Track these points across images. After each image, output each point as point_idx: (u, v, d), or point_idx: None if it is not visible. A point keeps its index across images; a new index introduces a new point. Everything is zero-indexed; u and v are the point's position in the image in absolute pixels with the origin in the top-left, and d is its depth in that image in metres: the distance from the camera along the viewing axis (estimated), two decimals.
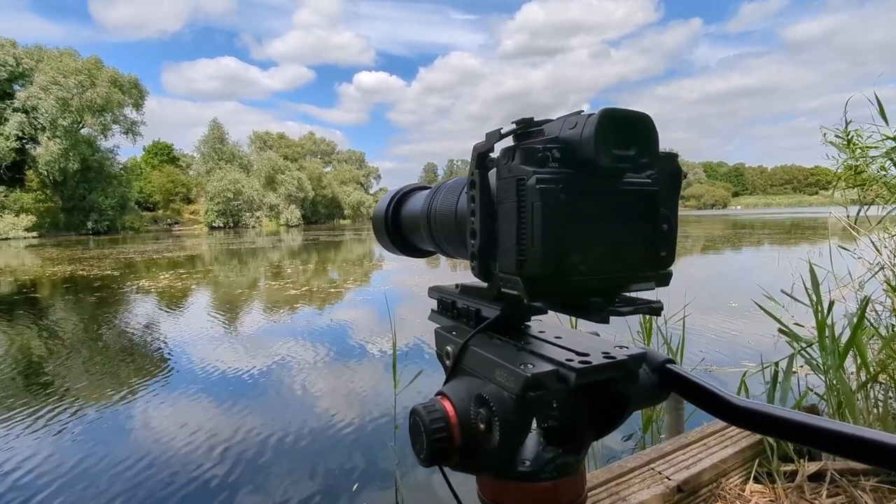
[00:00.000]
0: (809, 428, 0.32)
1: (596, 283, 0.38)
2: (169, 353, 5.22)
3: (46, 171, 36.04)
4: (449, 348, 0.50)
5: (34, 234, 34.09)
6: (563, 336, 0.50)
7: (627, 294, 0.42)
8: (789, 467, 1.81)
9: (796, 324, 2.63)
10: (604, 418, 0.45)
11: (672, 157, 0.42)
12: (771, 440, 1.84)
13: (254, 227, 49.12)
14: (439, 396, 0.43)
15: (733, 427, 2.16)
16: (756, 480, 1.78)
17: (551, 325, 0.53)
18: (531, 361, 0.41)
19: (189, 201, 56.96)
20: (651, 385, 0.44)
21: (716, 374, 3.97)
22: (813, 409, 1.96)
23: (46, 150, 35.49)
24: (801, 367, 3.07)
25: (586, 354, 0.42)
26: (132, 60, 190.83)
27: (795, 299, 2.73)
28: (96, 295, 9.12)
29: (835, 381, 2.01)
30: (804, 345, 2.40)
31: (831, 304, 2.33)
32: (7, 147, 35.07)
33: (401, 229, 0.66)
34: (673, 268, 0.41)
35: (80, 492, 2.57)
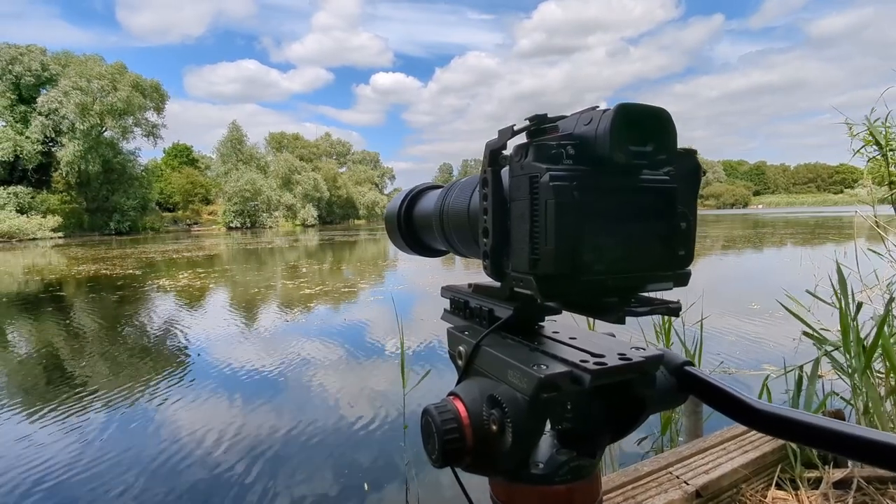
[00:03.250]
0: (836, 434, 0.31)
1: (611, 282, 0.37)
2: (187, 351, 5.33)
3: (67, 171, 37.08)
4: (461, 348, 0.50)
5: (60, 234, 35.09)
6: (578, 337, 0.49)
7: (644, 294, 0.41)
8: (813, 474, 1.75)
9: (823, 328, 2.56)
10: (620, 421, 0.44)
11: (691, 154, 0.41)
12: (794, 446, 1.78)
13: (271, 227, 49.78)
14: (451, 397, 0.42)
15: (754, 431, 2.11)
16: (778, 487, 1.73)
17: (566, 326, 0.52)
18: (544, 362, 0.40)
19: (208, 202, 58.00)
20: (669, 387, 0.43)
21: (736, 376, 3.88)
22: (838, 415, 1.90)
23: (68, 152, 36.51)
24: (828, 370, 2.98)
25: (601, 356, 0.41)
26: (156, 65, 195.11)
27: (820, 300, 2.66)
28: (118, 293, 9.35)
29: (861, 386, 1.95)
30: (830, 347, 2.33)
31: (859, 305, 2.26)
32: (33, 150, 36.17)
33: (413, 228, 0.66)
34: (692, 268, 0.41)
35: (103, 478, 2.64)
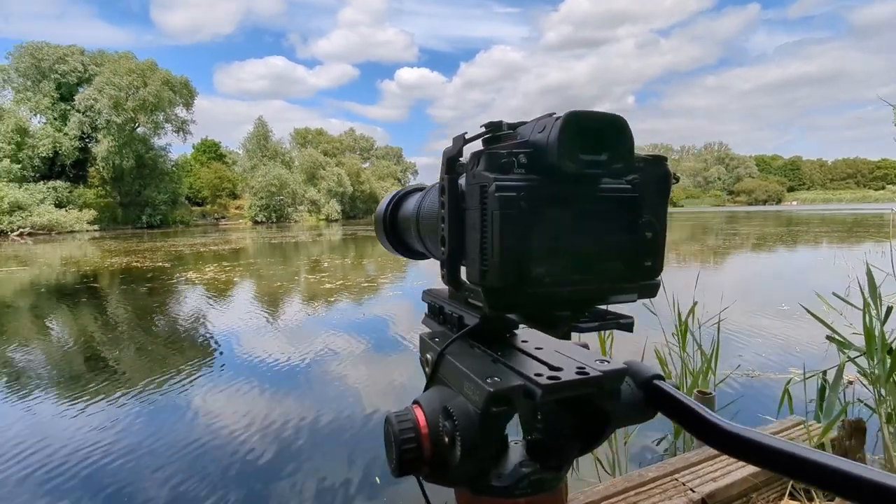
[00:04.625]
0: (799, 460, 0.30)
1: (566, 295, 0.37)
2: (212, 341, 5.49)
3: (102, 166, 38.56)
4: (428, 355, 0.49)
5: (95, 227, 36.54)
6: (546, 347, 0.48)
7: (603, 307, 0.40)
8: None
9: (855, 332, 2.45)
10: (586, 434, 0.43)
11: (660, 161, 0.40)
12: None
13: (295, 221, 50.66)
14: (414, 405, 0.42)
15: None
16: (792, 497, 1.68)
17: (541, 335, 0.51)
18: (500, 375, 0.39)
19: (235, 196, 59.41)
20: (635, 402, 0.42)
21: (759, 380, 3.76)
22: (856, 424, 1.82)
23: (102, 147, 37.93)
24: (855, 376, 2.86)
25: (559, 369, 0.40)
26: (188, 63, 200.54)
27: (848, 303, 2.54)
28: (148, 285, 9.69)
29: (884, 393, 1.86)
30: (854, 353, 2.23)
31: (889, 309, 2.15)
32: (70, 146, 37.70)
33: (397, 229, 0.66)
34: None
35: (136, 459, 2.78)
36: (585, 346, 0.51)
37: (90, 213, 36.54)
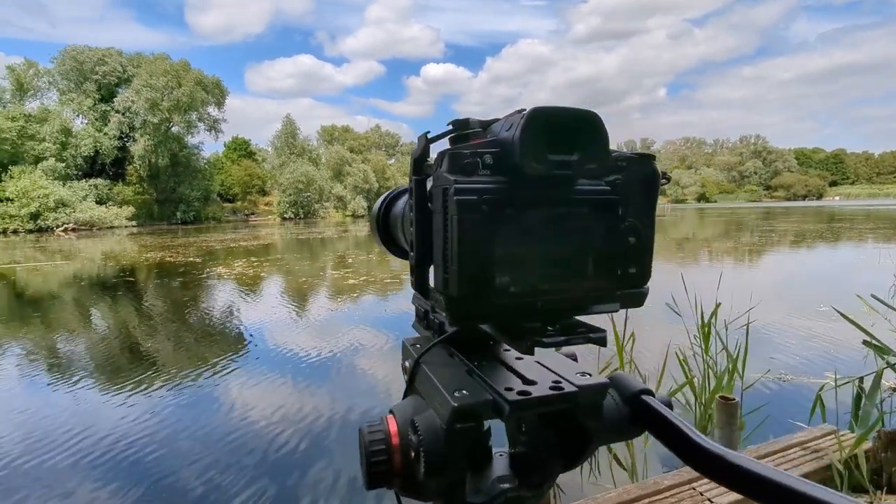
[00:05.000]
0: (793, 494, 0.27)
1: (539, 304, 0.34)
2: (241, 334, 5.66)
3: (139, 165, 40.16)
4: (407, 363, 0.48)
5: (133, 223, 38.12)
6: (527, 357, 0.46)
7: (578, 318, 0.37)
8: (862, 499, 1.59)
9: None
10: (569, 450, 0.41)
11: (646, 159, 0.37)
12: (840, 466, 1.63)
13: (322, 217, 51.55)
14: (389, 415, 0.41)
15: (798, 448, 1.94)
16: None
17: None
18: (470, 388, 0.37)
19: (264, 193, 60.85)
20: (620, 418, 0.39)
21: (791, 384, 3.60)
22: (891, 436, 1.71)
23: (140, 146, 39.45)
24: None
25: (532, 383, 0.38)
26: (221, 63, 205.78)
27: (889, 305, 2.40)
28: (180, 280, 10.03)
29: None
30: (893, 359, 2.10)
31: None
32: (110, 146, 39.36)
33: (388, 228, 0.66)
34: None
35: (174, 442, 2.92)
36: (573, 357, 0.49)
37: (128, 210, 38.14)
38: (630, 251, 0.36)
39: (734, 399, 1.96)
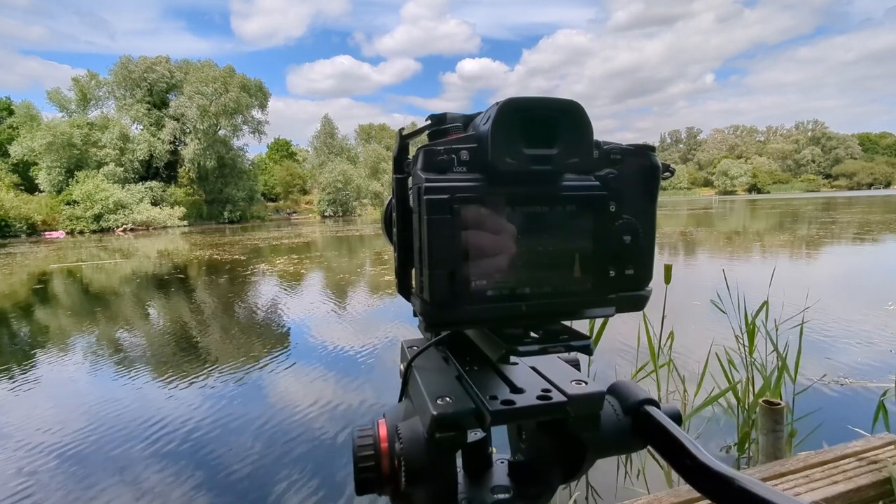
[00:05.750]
0: None
1: (524, 309, 0.32)
2: (282, 327, 5.87)
3: (189, 167, 42.35)
4: (402, 366, 0.47)
5: (185, 223, 40.23)
6: (522, 363, 0.44)
7: (566, 324, 0.35)
8: None
9: None
10: (567, 461, 0.39)
11: (644, 152, 0.35)
12: None
13: (359, 214, 52.60)
14: (381, 419, 0.40)
15: (854, 458, 1.80)
16: None
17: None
18: (455, 395, 0.36)
19: (304, 192, 62.79)
20: (620, 430, 0.37)
21: (850, 388, 3.34)
22: None
23: (190, 150, 41.58)
24: None
25: (520, 391, 0.36)
26: (264, 66, 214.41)
27: None
28: (225, 276, 10.51)
29: None
30: None
31: None
32: (163, 150, 41.67)
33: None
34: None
35: (225, 432, 3.04)
36: (575, 363, 0.47)
37: (180, 210, 40.26)
38: (625, 251, 0.33)
39: (780, 403, 1.84)
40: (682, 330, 2.96)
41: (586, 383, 0.37)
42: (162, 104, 43.66)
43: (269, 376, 4.15)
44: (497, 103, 0.31)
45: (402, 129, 0.37)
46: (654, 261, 0.36)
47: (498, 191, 0.31)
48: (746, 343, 2.37)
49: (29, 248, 22.31)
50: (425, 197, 0.30)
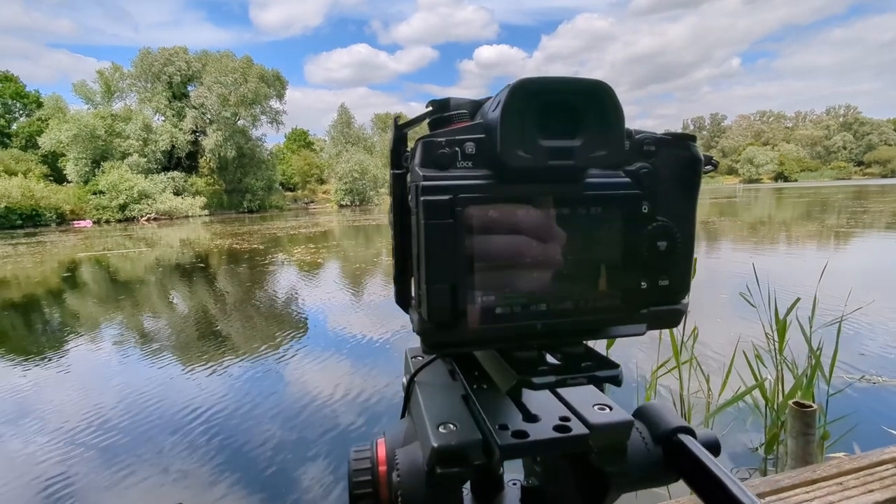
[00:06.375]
0: None
1: (540, 327, 0.28)
2: (299, 315, 5.94)
3: (210, 157, 43.08)
4: (404, 379, 0.43)
5: (206, 212, 41.03)
6: None
7: (588, 345, 0.31)
8: None
9: None
10: (589, 491, 0.35)
11: (683, 142, 0.30)
12: None
13: (376, 204, 52.83)
14: (381, 438, 0.37)
15: (892, 464, 1.71)
16: None
17: None
18: (461, 421, 0.32)
19: (322, 182, 63.29)
20: (648, 461, 0.34)
21: (883, 387, 3.20)
22: None
23: (211, 140, 42.26)
24: None
25: (534, 419, 0.32)
26: (281, 56, 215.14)
27: None
28: (244, 266, 10.67)
29: None
30: None
31: None
32: (185, 140, 42.40)
33: None
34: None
35: (247, 416, 3.09)
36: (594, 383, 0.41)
37: (201, 200, 41.05)
38: (659, 259, 0.29)
39: (811, 405, 1.75)
40: (705, 325, 2.87)
41: (610, 408, 0.33)
42: (182, 95, 44.33)
43: (285, 360, 4.20)
44: (509, 85, 0.26)
45: (398, 116, 0.33)
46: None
47: (509, 190, 0.27)
48: (776, 341, 2.27)
49: (58, 236, 23.02)
50: (422, 198, 0.26)
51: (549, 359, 0.30)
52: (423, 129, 0.34)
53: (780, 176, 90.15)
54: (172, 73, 43.67)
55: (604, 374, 0.28)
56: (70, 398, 3.58)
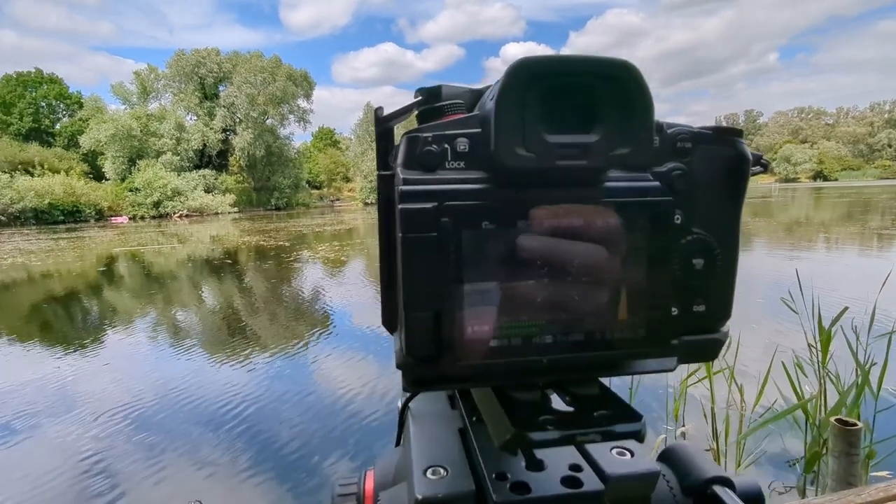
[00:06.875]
0: None
1: (546, 363, 0.23)
2: (323, 310, 6.03)
3: (240, 156, 44.26)
4: (399, 403, 0.39)
5: (235, 209, 42.14)
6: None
7: (605, 381, 0.27)
8: None
9: None
10: None
11: (726, 137, 0.25)
12: None
13: None
14: (369, 470, 0.34)
15: None
16: None
17: None
18: (452, 465, 0.28)
19: (347, 180, 64.14)
20: None
21: None
22: None
23: (241, 139, 43.40)
24: None
25: (539, 467, 0.28)
26: (310, 56, 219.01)
27: None
28: (270, 262, 10.88)
29: None
30: None
31: None
32: (216, 139, 43.64)
33: None
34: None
35: (273, 410, 3.14)
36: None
37: (231, 197, 42.18)
38: (695, 280, 0.25)
39: (856, 423, 1.64)
40: (738, 330, 2.75)
41: (632, 453, 0.28)
42: (213, 95, 45.67)
43: (309, 352, 4.25)
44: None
45: (380, 108, 0.27)
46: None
47: (509, 196, 0.22)
48: (819, 353, 2.13)
49: (96, 231, 24.01)
50: (400, 206, 0.22)
51: (556, 401, 0.25)
52: (412, 122, 0.30)
53: (819, 175, 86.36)
54: (205, 73, 45.03)
55: (622, 428, 0.23)
56: (132, 368, 3.71)
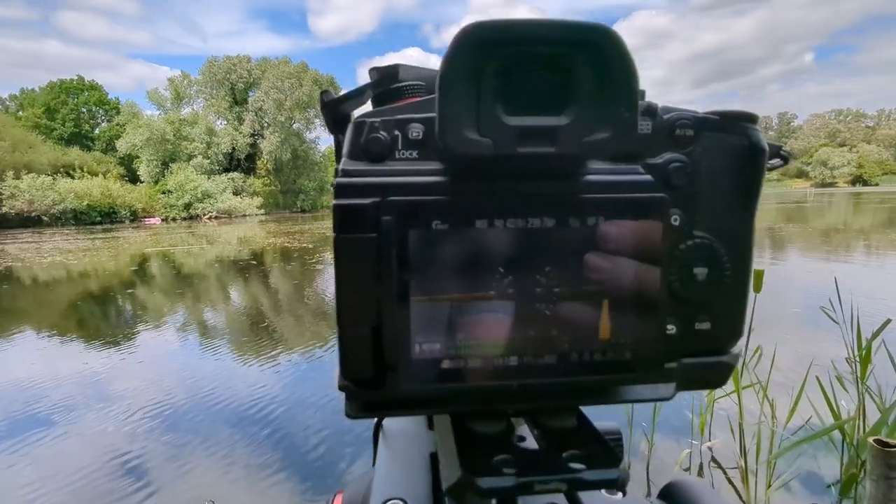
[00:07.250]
0: None
1: (515, 387, 0.20)
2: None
3: (267, 159, 45.41)
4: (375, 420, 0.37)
5: (262, 211, 43.20)
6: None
7: (587, 412, 0.24)
8: None
9: None
10: None
11: (736, 124, 0.22)
12: None
13: None
14: (340, 492, 0.31)
15: None
16: None
17: None
18: (412, 494, 0.26)
19: None
20: None
21: None
22: None
23: (268, 143, 44.53)
24: None
25: None
26: (337, 62, 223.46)
27: None
28: (293, 264, 11.08)
29: None
30: None
31: None
32: (244, 143, 44.89)
33: None
34: None
35: (294, 413, 3.15)
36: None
37: (258, 200, 43.28)
38: (697, 292, 0.21)
39: (895, 445, 1.53)
40: (769, 340, 2.64)
41: (624, 491, 0.24)
42: (243, 101, 47.07)
43: (327, 354, 4.29)
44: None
45: (326, 91, 0.24)
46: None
47: (466, 190, 0.19)
48: (857, 368, 2.02)
49: (131, 232, 24.95)
50: (334, 202, 0.19)
51: (526, 433, 0.21)
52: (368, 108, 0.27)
53: (858, 179, 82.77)
54: (235, 79, 46.45)
55: (593, 476, 0.19)
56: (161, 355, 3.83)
